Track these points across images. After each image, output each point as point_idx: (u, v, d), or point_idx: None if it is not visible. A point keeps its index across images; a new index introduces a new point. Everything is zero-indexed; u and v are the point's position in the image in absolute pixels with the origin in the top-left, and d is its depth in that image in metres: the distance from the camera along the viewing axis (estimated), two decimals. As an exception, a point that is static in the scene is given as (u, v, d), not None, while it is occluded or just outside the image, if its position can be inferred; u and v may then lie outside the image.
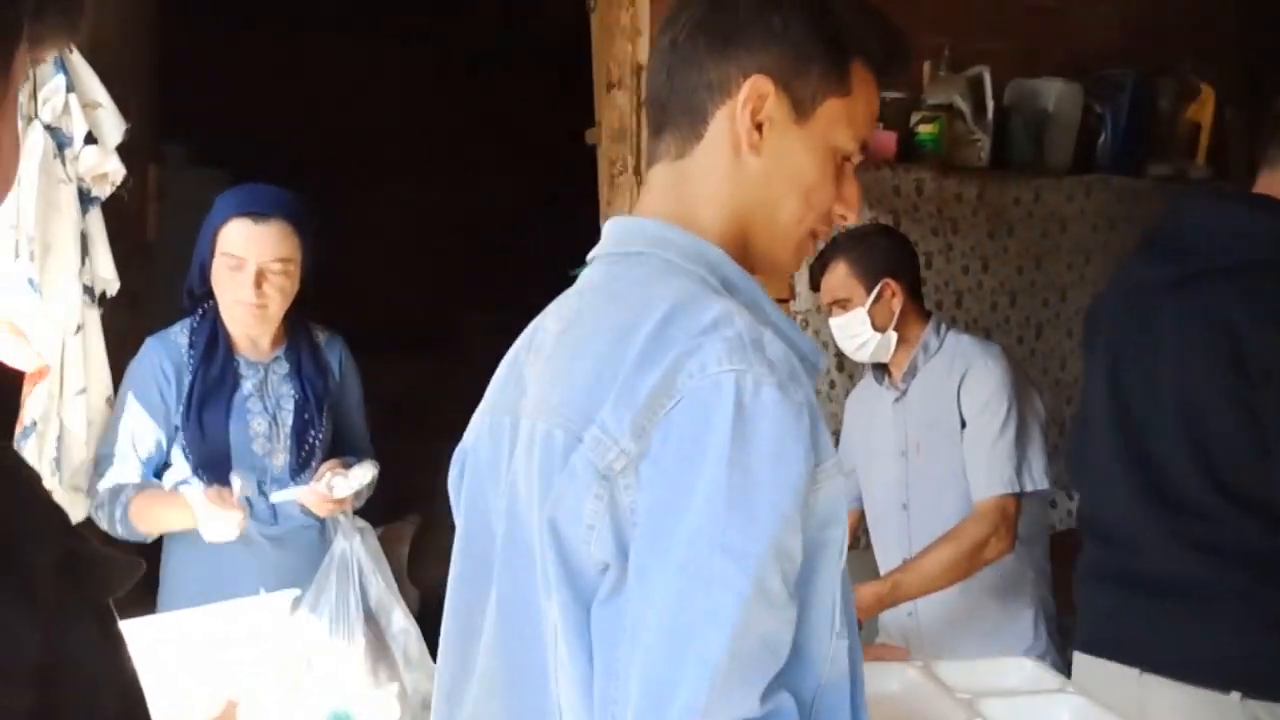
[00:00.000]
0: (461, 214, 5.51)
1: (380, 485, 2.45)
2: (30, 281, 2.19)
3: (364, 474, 2.26)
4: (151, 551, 2.30)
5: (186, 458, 2.26)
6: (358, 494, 2.30)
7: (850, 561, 1.05)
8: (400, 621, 2.24)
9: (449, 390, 3.38)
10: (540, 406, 1.04)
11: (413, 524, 2.96)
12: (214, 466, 2.24)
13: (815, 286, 2.49)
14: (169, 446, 2.27)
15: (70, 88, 2.22)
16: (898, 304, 2.37)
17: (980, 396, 2.32)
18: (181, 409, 2.25)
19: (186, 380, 2.26)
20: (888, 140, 2.86)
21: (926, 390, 2.41)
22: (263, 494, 2.26)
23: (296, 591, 2.14)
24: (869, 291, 2.35)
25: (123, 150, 2.33)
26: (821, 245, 2.27)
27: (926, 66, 3.04)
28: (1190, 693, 1.80)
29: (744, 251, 1.10)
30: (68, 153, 2.24)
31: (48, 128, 2.21)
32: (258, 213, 2.23)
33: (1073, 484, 2.48)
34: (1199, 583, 1.81)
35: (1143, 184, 3.34)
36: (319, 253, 2.34)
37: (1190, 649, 1.81)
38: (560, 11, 3.17)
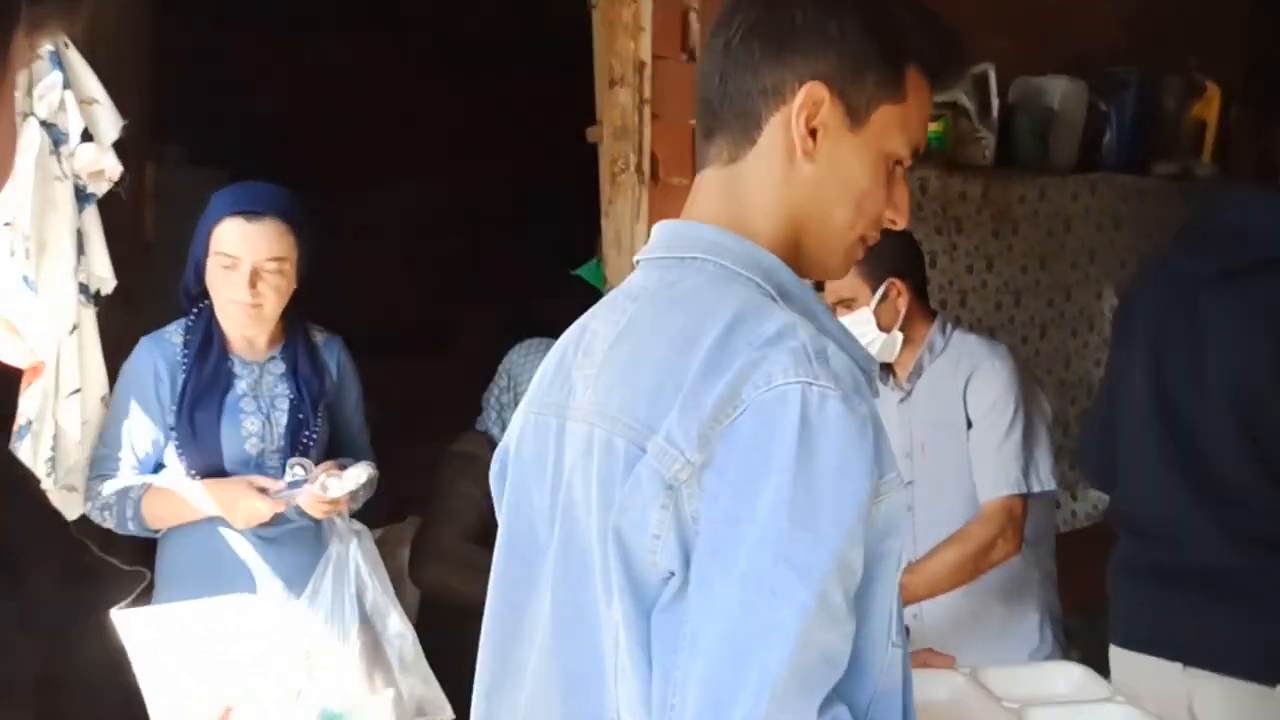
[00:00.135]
0: (461, 212, 5.49)
1: (380, 486, 2.44)
2: (26, 279, 2.17)
3: (358, 475, 2.24)
4: (146, 550, 2.29)
5: (180, 457, 2.24)
6: (354, 495, 2.28)
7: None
8: (396, 625, 2.22)
9: (449, 390, 3.36)
10: (597, 413, 1.04)
11: (413, 525, 2.94)
12: (207, 466, 2.23)
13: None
14: (164, 446, 2.26)
15: (66, 84, 2.21)
16: (903, 303, 2.36)
17: (987, 397, 2.31)
18: (174, 408, 2.25)
19: (180, 380, 2.26)
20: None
21: (932, 390, 2.39)
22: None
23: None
24: (874, 291, 2.34)
25: (120, 149, 2.32)
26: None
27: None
28: (1236, 686, 1.82)
29: (795, 256, 1.10)
30: (63, 149, 2.22)
31: (43, 124, 2.19)
32: (251, 211, 2.22)
33: (1094, 480, 2.48)
34: (1246, 576, 1.82)
35: (1148, 182, 3.33)
36: (315, 251, 2.33)
37: (1236, 642, 1.82)
38: (561, 8, 3.15)
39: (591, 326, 1.13)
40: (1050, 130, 3.14)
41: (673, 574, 0.95)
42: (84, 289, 2.31)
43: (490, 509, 2.85)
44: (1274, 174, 2.08)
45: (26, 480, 0.70)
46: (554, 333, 3.23)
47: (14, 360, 2.12)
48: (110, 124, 2.29)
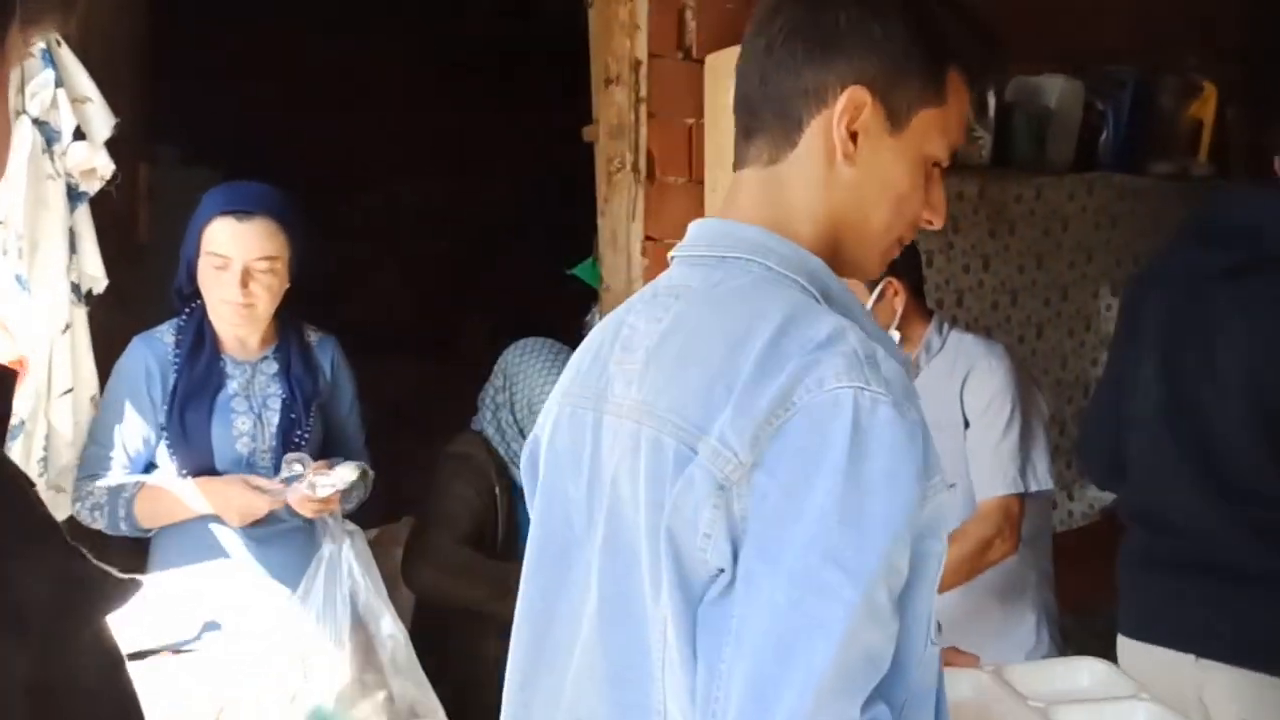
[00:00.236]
0: (458, 212, 5.48)
1: (377, 487, 2.43)
2: (18, 278, 2.16)
3: (347, 474, 2.22)
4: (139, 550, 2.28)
5: (172, 457, 2.23)
6: (347, 495, 2.27)
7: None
8: (389, 627, 2.20)
9: (447, 391, 3.35)
10: (643, 411, 1.05)
11: (408, 526, 2.93)
12: (198, 465, 2.22)
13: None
14: (156, 445, 2.25)
15: (59, 82, 2.20)
16: (900, 303, 2.35)
17: (984, 396, 2.30)
18: (165, 408, 2.24)
19: (171, 379, 2.25)
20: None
21: (929, 390, 2.37)
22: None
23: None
24: (871, 290, 2.33)
25: (113, 148, 2.31)
26: None
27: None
28: (1250, 677, 1.83)
29: (833, 257, 1.10)
30: (56, 148, 2.22)
31: (36, 122, 2.18)
32: (242, 211, 2.22)
33: (1095, 476, 2.48)
34: (1261, 568, 1.83)
35: (1145, 182, 3.33)
36: (307, 250, 2.32)
37: (1251, 634, 1.83)
38: (558, 6, 3.14)
39: (629, 321, 1.13)
40: (1047, 130, 3.14)
41: (722, 570, 0.96)
42: (76, 288, 2.30)
43: (483, 511, 2.83)
44: (1270, 173, 2.08)
45: (18, 481, 0.69)
46: (550, 332, 3.21)
47: (5, 359, 2.10)
48: (103, 122, 2.28)
